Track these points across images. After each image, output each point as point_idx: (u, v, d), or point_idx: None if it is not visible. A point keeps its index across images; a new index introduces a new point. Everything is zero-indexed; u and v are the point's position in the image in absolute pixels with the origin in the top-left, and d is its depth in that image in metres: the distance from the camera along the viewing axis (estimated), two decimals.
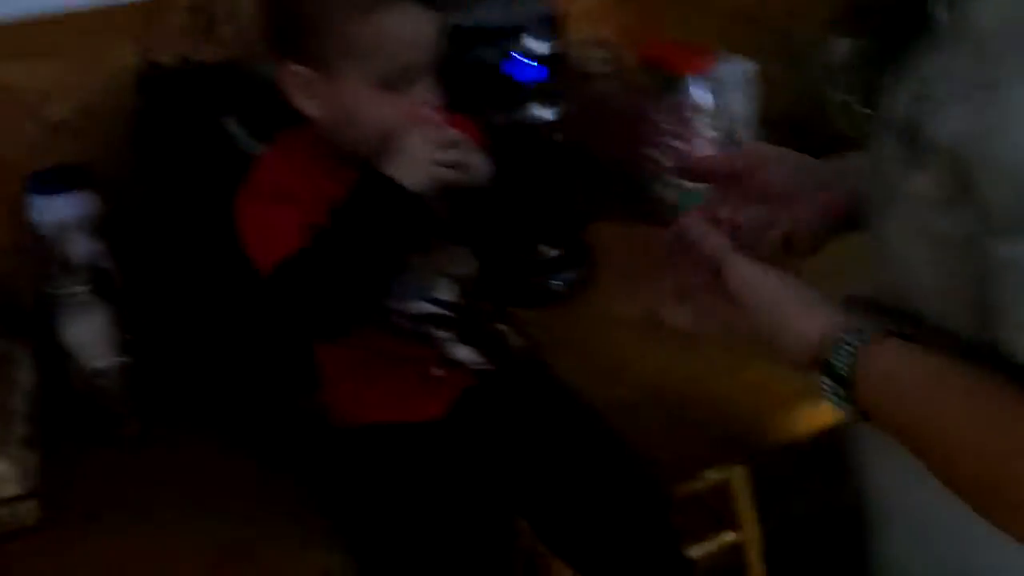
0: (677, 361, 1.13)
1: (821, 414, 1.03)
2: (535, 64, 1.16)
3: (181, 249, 1.18)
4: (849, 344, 0.66)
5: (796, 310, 0.70)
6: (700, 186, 1.39)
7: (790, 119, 1.72)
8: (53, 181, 1.15)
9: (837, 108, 1.80)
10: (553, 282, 1.27)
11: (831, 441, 0.85)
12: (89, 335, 1.08)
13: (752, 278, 0.71)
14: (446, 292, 0.93)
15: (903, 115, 0.64)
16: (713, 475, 1.13)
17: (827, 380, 0.67)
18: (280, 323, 0.88)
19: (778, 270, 0.73)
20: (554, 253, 1.29)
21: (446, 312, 0.94)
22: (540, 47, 1.15)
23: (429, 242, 0.92)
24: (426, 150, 0.84)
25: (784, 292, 0.71)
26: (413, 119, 0.85)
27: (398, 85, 0.85)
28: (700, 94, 1.40)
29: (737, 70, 1.52)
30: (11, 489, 0.94)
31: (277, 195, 0.86)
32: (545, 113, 1.19)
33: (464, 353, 0.95)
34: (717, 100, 1.42)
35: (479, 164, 0.89)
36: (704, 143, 1.42)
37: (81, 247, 1.16)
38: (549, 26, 1.17)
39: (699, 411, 1.06)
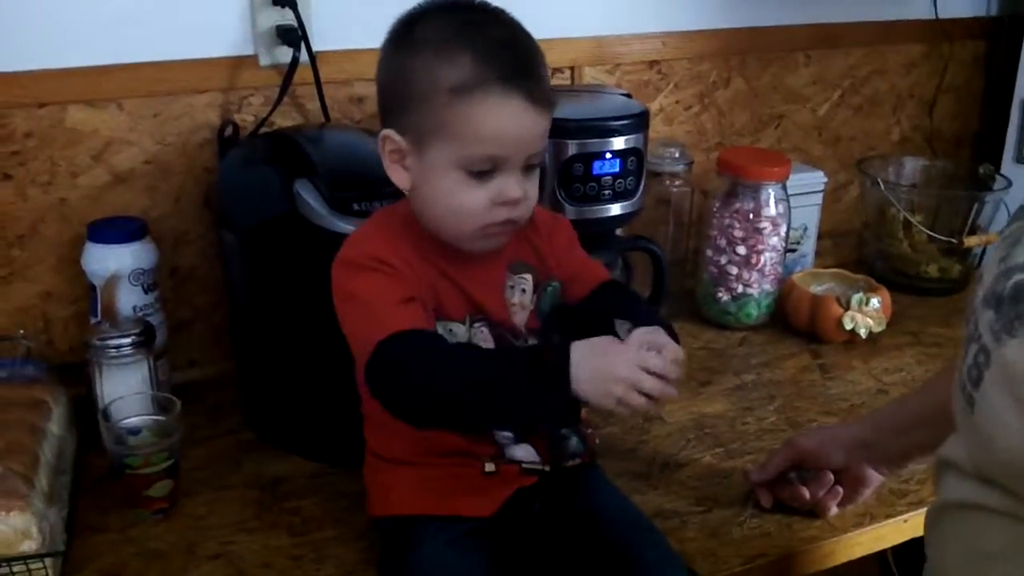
0: (723, 468, 1.10)
1: (880, 536, 1.03)
2: (612, 158, 1.15)
3: (241, 311, 1.15)
4: None
5: None
6: (759, 292, 1.38)
7: (854, 233, 1.70)
8: (110, 230, 1.13)
9: (900, 225, 1.79)
10: None
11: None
12: (125, 390, 1.04)
13: None
14: None
15: (993, 284, 0.68)
16: None
17: None
18: (373, 397, 0.84)
19: None
20: None
21: None
22: (618, 142, 1.15)
23: None
24: (631, 373, 0.78)
25: None
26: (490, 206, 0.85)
27: (483, 174, 0.84)
28: (771, 202, 1.38)
29: (808, 181, 1.52)
30: (29, 546, 0.88)
31: (371, 267, 0.85)
32: (614, 207, 1.17)
33: (522, 452, 0.92)
34: (787, 209, 1.40)
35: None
36: (769, 250, 1.40)
37: (131, 299, 1.14)
38: (637, 122, 1.16)
39: (746, 523, 1.02)
